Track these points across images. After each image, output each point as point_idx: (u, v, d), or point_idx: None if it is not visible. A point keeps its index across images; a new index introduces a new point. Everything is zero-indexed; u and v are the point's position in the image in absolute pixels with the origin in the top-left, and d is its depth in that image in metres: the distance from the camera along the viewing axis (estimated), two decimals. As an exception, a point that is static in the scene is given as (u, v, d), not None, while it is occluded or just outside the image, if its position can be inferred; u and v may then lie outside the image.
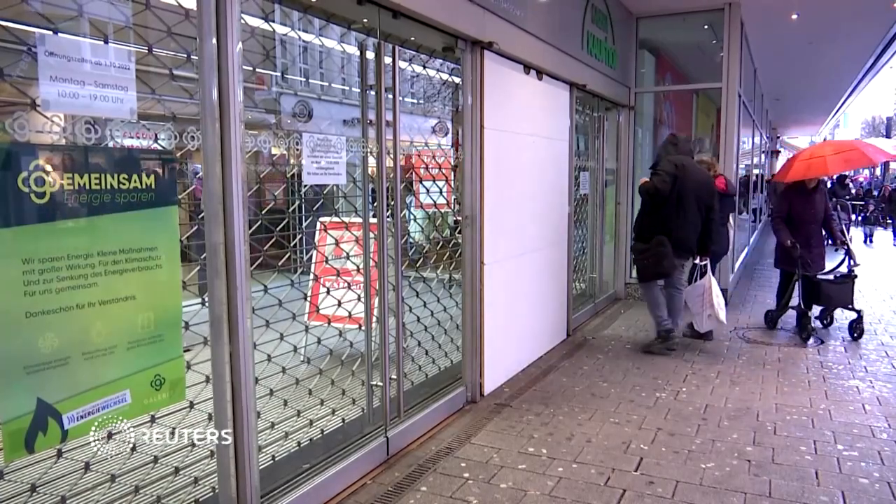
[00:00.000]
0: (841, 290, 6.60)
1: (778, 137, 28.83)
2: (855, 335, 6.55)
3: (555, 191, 6.27)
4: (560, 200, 6.44)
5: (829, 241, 6.89)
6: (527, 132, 5.49)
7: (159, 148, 2.40)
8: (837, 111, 24.11)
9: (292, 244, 3.86)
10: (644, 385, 5.14)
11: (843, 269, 6.75)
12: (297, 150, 3.20)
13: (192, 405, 2.68)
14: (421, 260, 4.85)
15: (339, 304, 3.79)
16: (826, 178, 6.92)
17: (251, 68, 3.05)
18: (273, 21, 3.20)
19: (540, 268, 5.97)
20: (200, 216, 2.62)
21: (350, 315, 3.86)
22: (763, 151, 19.81)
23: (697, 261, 6.14)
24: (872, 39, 10.66)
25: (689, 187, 5.83)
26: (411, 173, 4.73)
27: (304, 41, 3.76)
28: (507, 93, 5.05)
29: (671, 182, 5.77)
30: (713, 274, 6.31)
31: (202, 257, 2.62)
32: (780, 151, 30.08)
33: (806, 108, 20.94)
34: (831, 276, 6.73)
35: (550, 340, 6.30)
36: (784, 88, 15.74)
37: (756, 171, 16.85)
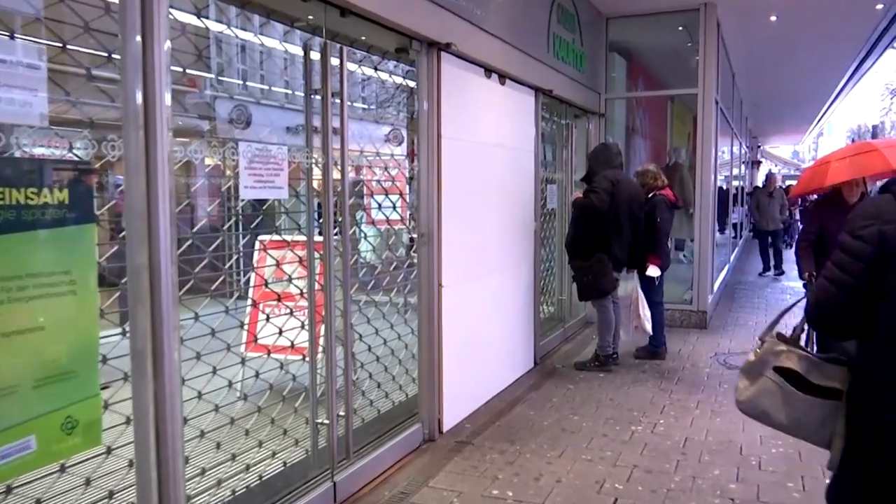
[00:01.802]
0: None
1: (759, 147, 29.65)
2: None
3: (520, 205, 6.33)
4: (525, 216, 6.50)
5: None
6: (489, 141, 5.54)
7: (74, 158, 2.35)
8: (821, 119, 24.90)
9: (227, 266, 3.80)
10: (618, 418, 5.19)
11: None
12: (234, 160, 3.17)
13: (109, 451, 2.60)
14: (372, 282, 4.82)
15: (281, 332, 3.74)
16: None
17: (181, 69, 3.02)
18: (207, 17, 3.18)
19: (504, 290, 6.00)
20: (122, 235, 2.56)
21: (293, 345, 3.81)
22: (743, 162, 20.34)
23: (650, 272, 6.55)
24: (856, 43, 11.04)
25: (624, 202, 6.27)
26: (362, 186, 4.71)
27: (242, 40, 3.74)
28: (466, 98, 5.09)
29: (609, 199, 6.15)
30: (662, 285, 6.84)
31: (123, 281, 2.56)
32: (760, 162, 30.93)
33: (788, 115, 21.58)
34: None
35: (516, 370, 6.32)
36: (764, 95, 16.21)
37: (736, 183, 17.29)
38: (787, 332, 2.18)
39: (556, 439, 4.76)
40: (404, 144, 4.83)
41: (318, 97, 3.66)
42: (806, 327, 2.03)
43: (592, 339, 7.40)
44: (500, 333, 5.92)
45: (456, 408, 5.04)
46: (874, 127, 45.43)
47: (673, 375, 6.38)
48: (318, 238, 3.77)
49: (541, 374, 6.50)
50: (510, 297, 6.15)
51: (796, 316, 2.15)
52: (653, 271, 6.53)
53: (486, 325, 5.61)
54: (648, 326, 6.57)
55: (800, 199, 15.63)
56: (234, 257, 4.88)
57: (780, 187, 15.06)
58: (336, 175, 3.72)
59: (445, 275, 4.76)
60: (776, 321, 2.11)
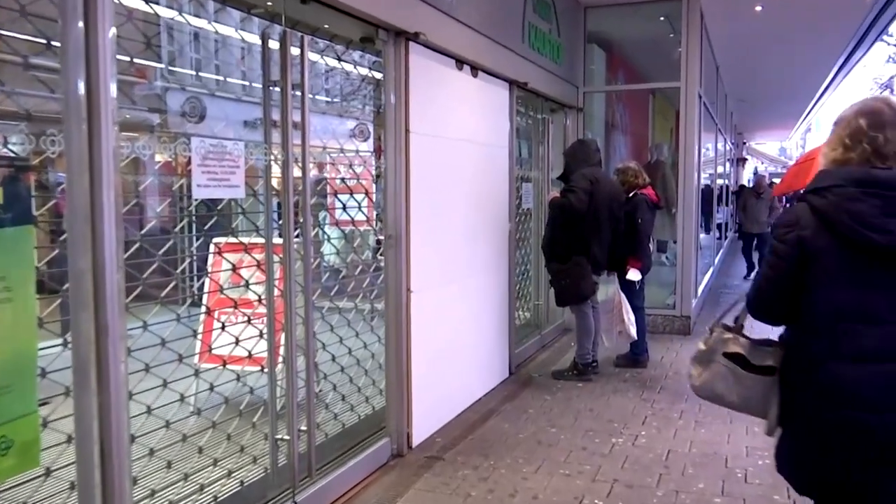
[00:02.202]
0: None
1: (744, 143, 30.08)
2: None
3: (493, 205, 6.35)
4: (499, 216, 6.52)
5: None
6: (460, 137, 5.55)
7: (10, 154, 2.31)
8: (809, 114, 25.30)
9: (179, 270, 3.76)
10: (598, 429, 5.22)
11: None
12: (186, 156, 3.13)
13: (48, 472, 2.55)
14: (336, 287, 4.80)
15: (237, 342, 3.71)
16: None
17: (128, 58, 2.98)
18: (156, 2, 3.15)
19: (477, 295, 6.01)
20: (63, 237, 2.52)
21: (250, 355, 3.78)
22: (728, 159, 20.60)
23: (630, 276, 6.59)
24: (844, 35, 11.21)
25: (603, 201, 6.31)
26: (324, 185, 4.69)
27: (195, 27, 3.71)
28: (436, 91, 5.09)
29: (587, 199, 6.17)
30: (643, 289, 6.91)
31: (64, 288, 2.52)
32: (746, 159, 31.39)
33: (774, 110, 21.89)
34: None
35: (490, 380, 6.33)
36: (750, 89, 16.42)
37: (721, 182, 17.52)
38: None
39: (533, 453, 4.77)
40: (370, 140, 4.82)
41: (278, 89, 3.63)
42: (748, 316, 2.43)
43: (571, 346, 7.45)
44: (473, 341, 5.92)
45: (426, 421, 5.03)
46: (863, 123, 46.24)
47: (655, 384, 6.43)
48: (277, 240, 3.74)
49: (516, 384, 6.51)
50: (484, 302, 6.16)
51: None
52: (633, 275, 6.56)
53: (458, 333, 5.61)
54: (633, 332, 6.56)
55: (784, 199, 15.84)
56: (187, 261, 4.84)
57: (768, 186, 15.24)
58: (297, 173, 3.69)
59: (414, 279, 4.75)
60: (723, 315, 2.52)
